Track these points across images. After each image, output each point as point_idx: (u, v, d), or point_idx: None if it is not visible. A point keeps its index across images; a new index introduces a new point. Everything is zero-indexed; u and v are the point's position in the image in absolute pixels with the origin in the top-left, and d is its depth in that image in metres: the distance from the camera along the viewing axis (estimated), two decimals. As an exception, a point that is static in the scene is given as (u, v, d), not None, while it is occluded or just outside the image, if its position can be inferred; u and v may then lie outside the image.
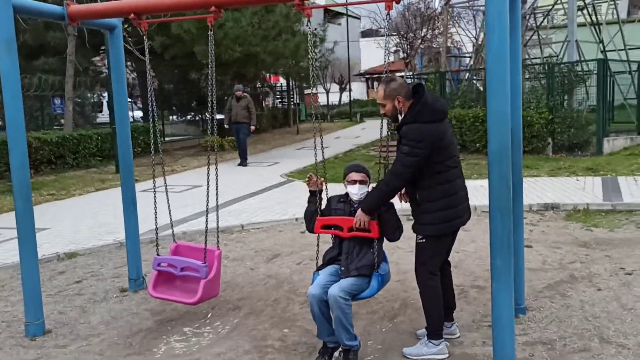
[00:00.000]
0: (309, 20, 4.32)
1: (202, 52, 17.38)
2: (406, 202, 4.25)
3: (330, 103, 44.43)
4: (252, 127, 15.68)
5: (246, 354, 4.30)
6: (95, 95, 26.33)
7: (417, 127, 3.82)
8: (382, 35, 46.55)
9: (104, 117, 28.60)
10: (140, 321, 5.10)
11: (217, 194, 4.82)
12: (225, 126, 16.45)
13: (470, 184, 11.37)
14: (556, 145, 14.13)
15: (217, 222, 4.99)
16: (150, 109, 4.92)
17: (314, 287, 4.00)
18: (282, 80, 32.56)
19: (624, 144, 14.50)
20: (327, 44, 27.29)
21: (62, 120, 19.51)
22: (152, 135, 5.03)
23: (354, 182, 4.21)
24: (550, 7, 18.96)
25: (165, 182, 5.06)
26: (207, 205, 4.80)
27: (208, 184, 4.74)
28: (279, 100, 32.60)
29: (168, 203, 4.99)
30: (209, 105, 4.64)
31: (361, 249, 4.12)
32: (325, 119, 36.93)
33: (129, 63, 23.75)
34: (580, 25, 17.24)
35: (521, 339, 4.24)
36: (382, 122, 4.30)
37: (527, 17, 18.07)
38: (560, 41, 18.58)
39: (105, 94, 28.97)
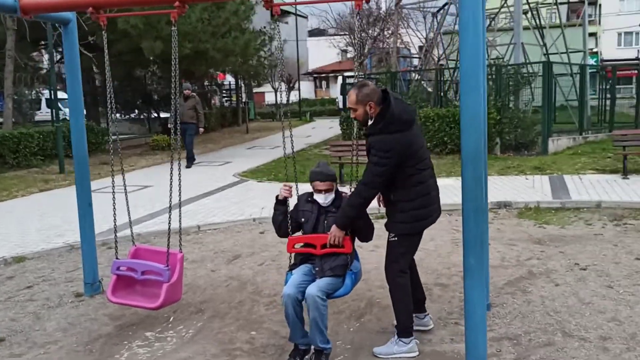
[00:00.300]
0: (277, 19, 4.26)
1: (150, 47, 16.98)
2: (385, 206, 4.24)
3: (278, 102, 44.34)
4: (201, 129, 14.99)
5: (214, 358, 4.21)
6: (33, 92, 25.35)
7: (384, 137, 3.85)
8: (331, 35, 46.80)
9: (42, 115, 27.61)
10: (99, 327, 4.91)
11: (180, 195, 4.71)
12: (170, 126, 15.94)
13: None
14: (504, 145, 14.51)
15: (180, 224, 4.87)
16: (109, 107, 4.74)
17: (288, 286, 3.95)
18: (228, 79, 32.20)
19: (567, 144, 15.04)
20: (277, 43, 27.18)
21: (0, 119, 18.70)
22: (110, 134, 4.84)
23: (320, 191, 4.20)
24: (497, 10, 19.47)
25: (124, 183, 4.90)
26: (170, 206, 4.68)
27: (171, 184, 4.61)
28: (226, 99, 32.22)
29: (127, 205, 4.83)
30: (172, 103, 4.51)
31: None
32: (274, 118, 36.80)
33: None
34: (525, 28, 17.76)
35: (488, 335, 4.28)
36: (355, 124, 4.33)
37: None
38: (506, 44, 19.11)
39: (45, 91, 27.99)
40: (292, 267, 4.25)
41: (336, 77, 52.98)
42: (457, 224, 7.97)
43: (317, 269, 4.06)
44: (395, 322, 4.24)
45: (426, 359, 4.03)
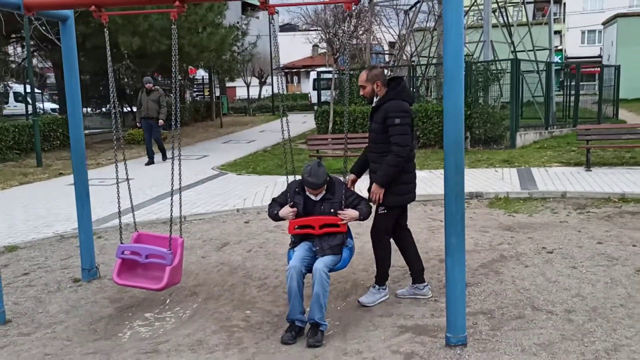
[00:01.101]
0: (272, 18, 4.59)
1: (127, 43, 17.04)
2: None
3: (250, 97, 44.41)
4: (160, 122, 14.32)
5: (214, 334, 4.52)
6: (1, 86, 25.03)
7: (398, 101, 4.58)
8: (302, 30, 46.92)
9: (10, 109, 27.25)
10: (99, 309, 5.18)
11: (180, 185, 4.97)
12: (138, 124, 15.27)
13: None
14: (474, 139, 15.06)
15: (180, 211, 5.12)
16: (112, 100, 4.99)
17: (294, 260, 4.34)
18: (202, 73, 32.20)
19: (534, 138, 15.67)
20: (250, 38, 27.32)
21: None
22: (114, 128, 5.09)
23: (312, 193, 4.55)
24: (467, 8, 20.04)
25: (126, 171, 5.16)
26: (172, 193, 4.94)
27: (172, 174, 4.87)
28: (197, 93, 32.21)
29: (130, 194, 5.11)
30: (173, 98, 4.79)
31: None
32: (246, 112, 36.92)
33: (42, 52, 22.80)
34: (494, 26, 18.35)
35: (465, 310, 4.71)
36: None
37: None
38: (475, 41, 19.70)
39: (14, 85, 27.63)
40: (293, 246, 4.61)
41: (307, 73, 53.25)
42: (432, 213, 8.42)
43: (317, 247, 4.42)
44: (377, 275, 4.99)
45: (410, 332, 4.40)
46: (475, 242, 6.72)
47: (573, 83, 19.43)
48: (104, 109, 25.86)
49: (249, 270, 6.04)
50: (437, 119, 14.91)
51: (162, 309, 5.17)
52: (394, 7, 19.68)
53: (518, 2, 21.26)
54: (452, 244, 3.90)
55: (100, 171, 13.69)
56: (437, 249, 6.45)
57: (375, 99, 4.78)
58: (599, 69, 22.59)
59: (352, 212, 4.48)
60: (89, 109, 26.01)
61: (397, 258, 6.17)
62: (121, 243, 5.01)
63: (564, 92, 20.57)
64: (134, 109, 25.54)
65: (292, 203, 4.59)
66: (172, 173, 4.81)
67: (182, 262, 5.03)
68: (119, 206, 5.15)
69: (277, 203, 4.73)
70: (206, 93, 32.96)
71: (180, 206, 5.06)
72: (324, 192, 4.56)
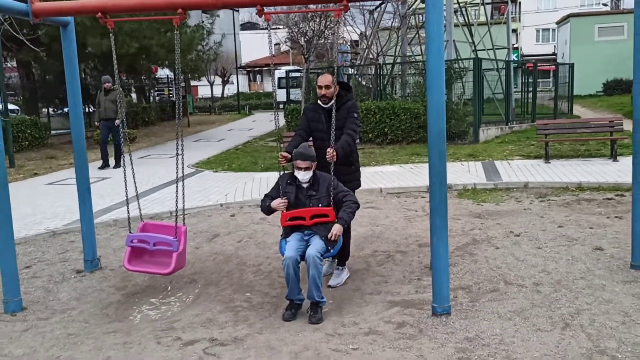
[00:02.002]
0: (269, 24, 5.03)
1: (96, 44, 17.11)
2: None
3: (213, 95, 44.49)
4: (117, 122, 13.45)
5: (221, 313, 4.95)
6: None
7: (354, 102, 5.51)
8: (263, 29, 47.05)
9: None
10: (107, 296, 5.54)
11: (183, 179, 5.35)
12: (96, 124, 14.55)
13: (370, 170, 12.42)
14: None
15: (183, 201, 5.47)
16: (119, 101, 5.34)
17: (289, 251, 4.72)
18: (166, 72, 32.18)
19: (496, 133, 16.45)
20: (214, 37, 27.52)
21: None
22: (122, 126, 5.42)
23: (300, 168, 4.96)
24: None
25: (132, 165, 5.50)
26: (177, 187, 5.34)
27: (177, 170, 5.26)
28: (157, 93, 32.12)
29: (135, 187, 5.47)
30: (176, 100, 5.17)
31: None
32: (211, 111, 37.05)
33: (6, 53, 22.53)
34: (455, 26, 19.11)
35: (445, 287, 5.25)
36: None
37: (408, 17, 19.67)
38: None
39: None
40: (285, 236, 5.01)
41: (269, 71, 53.53)
42: (406, 204, 8.98)
43: (311, 232, 4.87)
44: (339, 258, 5.60)
45: (399, 306, 4.91)
46: (449, 228, 7.18)
47: (530, 80, 20.36)
48: (66, 110, 25.64)
49: (242, 258, 6.46)
50: (404, 116, 15.52)
51: (165, 295, 5.55)
52: (359, 7, 20.25)
53: (478, 3, 22.12)
54: (437, 225, 4.43)
55: (74, 171, 13.82)
56: (415, 235, 7.00)
57: (332, 100, 5.22)
58: (554, 67, 23.64)
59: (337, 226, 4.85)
60: (51, 110, 25.75)
61: (379, 244, 6.72)
62: (129, 232, 5.37)
63: (522, 89, 21.51)
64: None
65: (284, 196, 5.00)
66: (177, 168, 5.19)
67: (186, 248, 5.43)
68: (127, 198, 5.50)
69: (269, 197, 5.11)
70: (166, 92, 32.95)
71: (184, 198, 5.43)
72: (311, 172, 4.94)
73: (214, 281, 5.83)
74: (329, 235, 4.76)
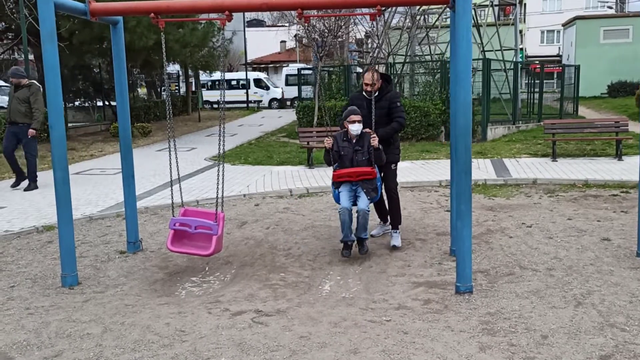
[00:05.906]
0: (308, 26, 5.47)
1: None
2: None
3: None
4: (31, 131, 10.11)
5: (260, 290, 5.40)
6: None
7: (397, 92, 6.43)
8: (269, 26, 47.50)
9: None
10: (152, 274, 5.99)
11: (222, 167, 5.80)
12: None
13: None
14: (448, 133, 16.16)
15: (222, 191, 5.89)
16: (166, 93, 5.78)
17: (344, 202, 6.01)
18: (175, 68, 32.65)
19: (503, 132, 16.90)
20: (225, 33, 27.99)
21: None
22: (168, 116, 5.87)
23: (354, 121, 6.04)
24: (442, 9, 21.21)
25: (175, 152, 5.94)
26: (217, 177, 5.79)
27: (218, 164, 5.70)
28: (163, 88, 32.56)
29: (177, 170, 5.92)
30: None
31: None
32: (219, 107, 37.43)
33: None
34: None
35: (465, 270, 5.70)
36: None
37: (419, 17, 20.09)
38: (447, 41, 20.83)
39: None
40: (337, 187, 6.18)
41: (276, 68, 53.95)
42: (421, 197, 9.42)
43: (364, 190, 6.01)
44: (392, 222, 6.68)
45: (423, 286, 5.36)
46: (464, 219, 7.73)
47: (537, 81, 20.78)
48: (77, 103, 26.04)
49: (272, 243, 6.90)
50: (414, 114, 15.96)
51: (204, 274, 6.01)
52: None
53: (487, 5, 22.54)
54: (462, 210, 4.88)
55: (96, 162, 14.31)
56: (433, 225, 7.45)
57: (376, 93, 6.16)
58: (560, 68, 24.05)
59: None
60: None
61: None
62: (172, 216, 5.82)
63: (528, 89, 21.94)
64: (113, 104, 25.93)
65: (341, 150, 6.15)
66: (222, 163, 5.63)
67: (223, 233, 5.88)
68: (172, 182, 5.96)
69: (327, 153, 6.30)
70: (173, 88, 33.36)
71: (218, 187, 5.85)
72: (361, 125, 6.06)
73: (249, 263, 6.28)
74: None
